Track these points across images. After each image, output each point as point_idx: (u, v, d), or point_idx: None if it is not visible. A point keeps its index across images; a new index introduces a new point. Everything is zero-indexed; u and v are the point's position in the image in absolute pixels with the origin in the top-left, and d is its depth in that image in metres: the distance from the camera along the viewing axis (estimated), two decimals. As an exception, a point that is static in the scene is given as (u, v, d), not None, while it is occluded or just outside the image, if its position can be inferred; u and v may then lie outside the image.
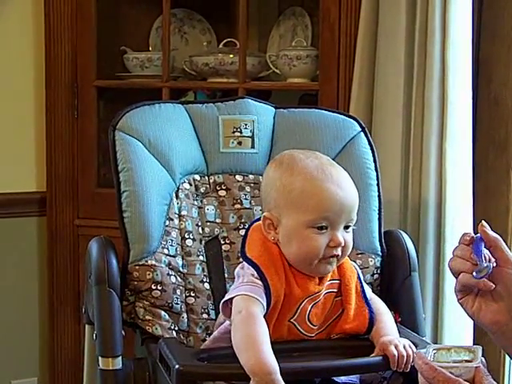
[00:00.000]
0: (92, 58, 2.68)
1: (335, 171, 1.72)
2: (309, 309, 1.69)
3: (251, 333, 1.59)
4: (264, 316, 1.63)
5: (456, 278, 1.43)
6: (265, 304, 1.63)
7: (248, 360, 1.54)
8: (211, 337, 1.77)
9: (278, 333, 1.67)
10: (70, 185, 2.73)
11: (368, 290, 1.80)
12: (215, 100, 2.06)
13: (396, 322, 1.77)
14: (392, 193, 2.31)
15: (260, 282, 1.65)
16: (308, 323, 1.70)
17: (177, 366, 1.54)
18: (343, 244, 1.68)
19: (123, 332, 1.76)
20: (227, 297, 1.67)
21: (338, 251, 1.68)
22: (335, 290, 1.73)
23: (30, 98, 2.78)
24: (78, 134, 2.70)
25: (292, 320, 1.69)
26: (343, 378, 1.68)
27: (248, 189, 1.98)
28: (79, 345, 2.64)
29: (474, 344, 2.29)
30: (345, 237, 1.69)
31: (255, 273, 1.67)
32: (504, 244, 1.43)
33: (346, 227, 1.70)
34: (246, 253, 1.72)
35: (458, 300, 1.46)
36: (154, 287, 1.81)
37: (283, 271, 1.69)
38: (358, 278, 1.77)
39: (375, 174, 2.00)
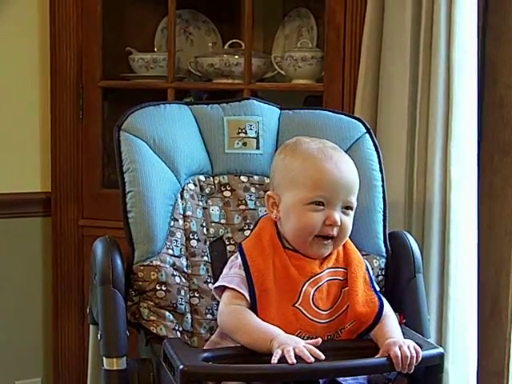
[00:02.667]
0: (97, 58, 2.68)
1: (336, 154, 1.77)
2: (312, 292, 1.71)
3: (237, 323, 1.67)
4: (254, 302, 1.68)
5: None
6: (244, 292, 1.69)
7: (255, 340, 1.62)
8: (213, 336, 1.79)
9: (284, 319, 1.68)
10: (74, 185, 2.72)
11: (376, 285, 1.80)
12: (220, 101, 2.06)
13: (400, 324, 1.77)
14: (397, 194, 2.31)
15: (241, 272, 1.71)
16: (314, 308, 1.71)
17: (181, 367, 1.54)
18: (339, 223, 1.72)
19: (128, 332, 1.76)
20: (216, 284, 1.76)
21: (334, 231, 1.72)
22: (341, 278, 1.75)
23: (36, 98, 2.78)
24: (82, 135, 2.70)
25: (297, 305, 1.70)
26: (349, 379, 1.68)
27: (253, 190, 1.99)
28: (83, 345, 2.64)
29: (476, 346, 2.29)
30: (342, 218, 1.73)
31: (239, 260, 1.73)
32: None
33: (346, 210, 1.74)
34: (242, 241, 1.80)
35: None
36: (158, 288, 1.81)
37: (272, 252, 1.73)
38: (367, 269, 1.79)
39: (380, 175, 2.01)
